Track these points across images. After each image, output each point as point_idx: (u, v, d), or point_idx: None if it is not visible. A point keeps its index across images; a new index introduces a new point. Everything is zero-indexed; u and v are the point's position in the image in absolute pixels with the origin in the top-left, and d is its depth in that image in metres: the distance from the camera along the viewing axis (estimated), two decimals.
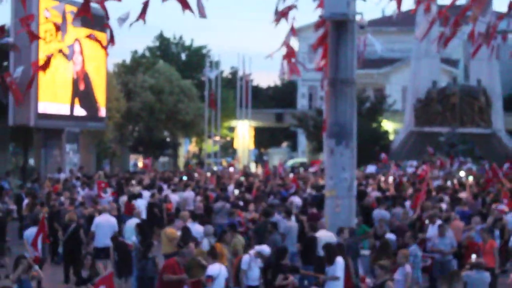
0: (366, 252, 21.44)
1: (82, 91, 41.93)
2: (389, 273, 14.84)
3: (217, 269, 15.47)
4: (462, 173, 41.84)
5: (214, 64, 62.65)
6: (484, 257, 17.63)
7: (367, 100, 63.27)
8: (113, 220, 21.78)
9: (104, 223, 21.45)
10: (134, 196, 27.59)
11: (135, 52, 67.01)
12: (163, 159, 71.35)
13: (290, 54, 22.98)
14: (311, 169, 45.07)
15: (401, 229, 21.70)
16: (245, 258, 17.01)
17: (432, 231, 21.17)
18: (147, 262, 17.35)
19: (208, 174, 41.23)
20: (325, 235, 19.93)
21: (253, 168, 61.10)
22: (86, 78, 42.76)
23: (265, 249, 17.17)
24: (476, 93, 59.02)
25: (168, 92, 57.20)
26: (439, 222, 21.52)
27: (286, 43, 22.58)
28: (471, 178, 37.63)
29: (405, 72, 68.74)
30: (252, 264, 16.65)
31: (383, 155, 49.11)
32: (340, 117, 21.67)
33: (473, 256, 16.68)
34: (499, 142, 59.43)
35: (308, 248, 20.00)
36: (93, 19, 16.75)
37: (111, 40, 17.41)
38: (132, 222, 21.20)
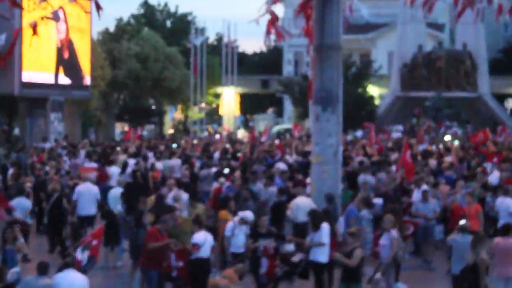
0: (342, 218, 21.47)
1: (66, 60, 41.71)
2: (359, 240, 14.88)
3: (203, 237, 15.45)
4: (448, 137, 41.98)
5: (200, 31, 62.36)
6: (469, 221, 17.64)
7: (353, 66, 63.15)
8: (95, 189, 21.79)
9: (86, 192, 21.43)
10: (108, 162, 27.62)
11: (120, 19, 66.54)
12: (149, 127, 71.17)
13: (273, 20, 22.83)
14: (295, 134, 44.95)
15: (387, 194, 21.72)
16: (229, 225, 17.00)
17: (417, 195, 21.23)
18: (139, 230, 17.27)
19: (195, 141, 41.12)
20: (303, 202, 20.02)
21: (240, 134, 60.98)
22: (70, 46, 42.48)
23: (249, 215, 17.15)
24: (461, 57, 59.04)
25: (153, 60, 56.89)
26: (424, 187, 21.57)
27: (269, 9, 22.42)
28: (456, 142, 37.75)
29: (391, 37, 68.65)
30: (236, 231, 16.63)
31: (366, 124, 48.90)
32: (326, 83, 21.56)
33: (462, 221, 16.69)
34: (485, 106, 59.58)
35: (276, 213, 20.18)
36: None
37: (97, 6, 17.18)
38: (116, 191, 21.14)
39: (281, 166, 27.43)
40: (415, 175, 23.91)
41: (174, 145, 36.39)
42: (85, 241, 14.70)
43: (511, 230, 15.18)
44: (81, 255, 14.35)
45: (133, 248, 17.57)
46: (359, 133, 46.71)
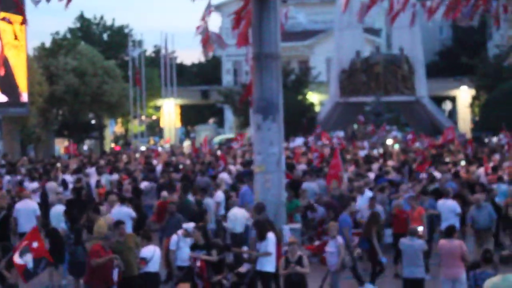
0: (297, 225, 21.52)
1: (2, 77, 40.92)
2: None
3: (151, 251, 15.28)
4: (389, 141, 42.33)
5: (137, 43, 61.99)
6: (413, 224, 17.77)
7: (292, 73, 63.42)
8: (34, 205, 21.55)
9: (25, 208, 21.17)
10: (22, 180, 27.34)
11: (57, 33, 65.78)
12: (89, 142, 70.49)
13: (207, 31, 22.80)
14: (235, 145, 44.81)
15: (330, 203, 21.80)
16: (173, 238, 16.86)
17: (361, 202, 21.23)
18: (77, 248, 17.08)
19: (137, 155, 40.80)
20: (240, 212, 20.02)
21: (186, 146, 60.75)
22: (5, 63, 41.72)
23: (191, 227, 17.07)
24: (399, 61, 59.65)
25: (91, 74, 56.35)
26: (368, 193, 21.63)
27: (204, 19, 22.39)
28: (397, 146, 38.11)
29: (329, 43, 69.05)
30: (181, 244, 16.48)
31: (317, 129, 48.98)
32: (266, 92, 21.54)
33: (420, 228, 16.75)
34: (423, 109, 60.26)
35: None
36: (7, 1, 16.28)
37: (23, 21, 16.93)
38: (58, 209, 20.81)
39: (225, 176, 27.35)
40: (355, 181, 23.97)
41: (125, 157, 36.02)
42: (19, 247, 14.45)
43: (454, 232, 15.33)
44: (21, 259, 14.15)
45: (72, 266, 17.39)
46: (298, 140, 46.75)
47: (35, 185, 27.46)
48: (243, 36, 23.44)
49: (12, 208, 22.42)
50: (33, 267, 14.16)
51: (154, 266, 15.24)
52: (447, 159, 31.27)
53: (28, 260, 14.15)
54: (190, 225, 17.16)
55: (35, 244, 14.42)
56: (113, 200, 21.29)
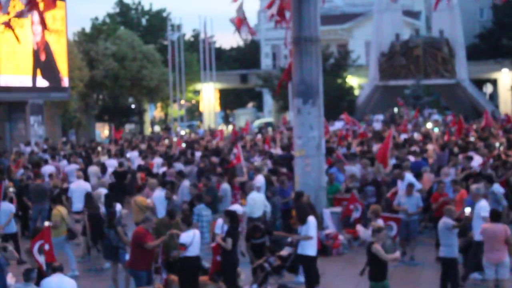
0: (338, 209, 21.49)
1: (43, 62, 41.38)
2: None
3: (191, 236, 15.31)
4: (429, 125, 42.06)
5: (176, 27, 62.12)
6: (456, 208, 17.64)
7: (331, 56, 63.22)
8: (86, 185, 22.41)
9: (77, 188, 21.96)
10: (38, 163, 27.64)
11: (96, 19, 66.19)
12: (129, 126, 70.92)
13: (241, 17, 22.90)
14: (282, 128, 44.93)
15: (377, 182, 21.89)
16: (218, 222, 16.92)
17: (400, 187, 20.96)
18: (110, 231, 17.20)
19: (175, 139, 40.98)
20: (259, 197, 20.13)
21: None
22: (47, 48, 42.16)
23: (238, 208, 17.24)
24: (438, 44, 59.19)
25: (131, 59, 56.70)
26: (408, 177, 21.41)
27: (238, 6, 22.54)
28: (437, 130, 37.85)
29: (368, 26, 68.71)
30: (225, 228, 16.53)
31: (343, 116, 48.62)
32: (305, 75, 21.56)
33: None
34: (463, 92, 59.77)
35: None
36: None
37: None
38: (100, 192, 20.99)
39: (267, 161, 27.39)
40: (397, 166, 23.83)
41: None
42: (35, 241, 14.62)
43: (499, 216, 15.26)
44: (39, 257, 14.37)
45: (106, 249, 17.51)
46: (338, 124, 46.56)
47: (73, 166, 27.70)
48: (280, 13, 23.51)
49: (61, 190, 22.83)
50: (46, 269, 14.37)
51: (194, 250, 15.26)
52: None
53: (42, 261, 14.38)
54: (235, 207, 17.29)
55: (47, 247, 14.60)
56: (153, 184, 21.45)
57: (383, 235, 14.19)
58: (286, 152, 28.97)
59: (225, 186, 22.25)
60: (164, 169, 26.66)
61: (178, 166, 27.11)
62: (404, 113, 48.38)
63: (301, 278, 16.43)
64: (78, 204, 21.45)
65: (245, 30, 23.41)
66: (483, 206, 16.52)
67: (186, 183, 22.55)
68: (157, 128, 66.99)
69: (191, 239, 15.18)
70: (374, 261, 13.74)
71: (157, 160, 29.36)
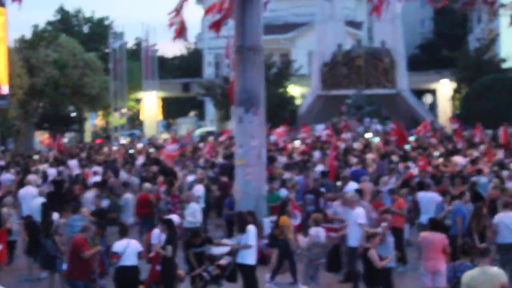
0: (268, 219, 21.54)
1: None
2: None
3: (123, 245, 15.16)
4: (369, 135, 42.40)
5: (118, 35, 61.72)
6: (393, 217, 17.76)
7: (274, 66, 63.35)
8: (34, 191, 22.47)
9: (26, 194, 22.26)
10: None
11: (36, 26, 65.43)
12: (69, 135, 70.18)
13: (181, 23, 22.86)
14: (221, 138, 44.95)
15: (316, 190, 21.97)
16: (154, 232, 16.82)
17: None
18: (47, 241, 17.00)
19: (114, 148, 40.69)
20: (194, 207, 20.19)
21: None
22: None
23: (174, 218, 17.18)
24: (380, 54, 59.65)
25: (72, 66, 56.09)
26: (352, 184, 21.56)
27: (177, 10, 22.44)
28: (377, 139, 38.19)
29: (310, 36, 69.02)
30: (162, 238, 16.42)
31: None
32: (248, 84, 21.59)
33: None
34: (404, 102, 60.34)
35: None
36: None
37: None
38: (38, 201, 20.76)
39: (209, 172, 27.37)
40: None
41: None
42: None
43: (439, 225, 15.41)
44: None
45: (43, 259, 17.30)
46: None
47: (8, 176, 27.34)
48: (217, 23, 23.51)
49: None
50: None
51: (130, 259, 15.09)
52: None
53: None
54: (171, 217, 17.20)
55: (1, 246, 14.42)
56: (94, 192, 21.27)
57: (378, 240, 14.36)
58: (227, 161, 28.98)
59: (127, 196, 22.16)
60: (97, 178, 26.42)
61: (123, 175, 26.99)
62: (342, 122, 48.59)
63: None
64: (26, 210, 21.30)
65: (184, 35, 23.34)
66: (359, 213, 16.86)
67: (91, 194, 22.28)
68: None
69: (124, 248, 15.04)
70: (370, 267, 13.82)
71: (97, 169, 29.09)
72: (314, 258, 16.68)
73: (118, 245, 15.19)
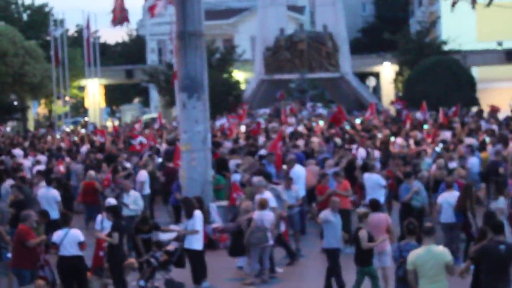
0: (224, 203, 21.61)
1: None
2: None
3: (61, 236, 14.93)
4: (313, 118, 42.56)
5: (59, 23, 60.97)
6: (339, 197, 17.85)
7: (217, 51, 63.24)
8: None
9: None
10: None
11: None
12: (11, 123, 69.25)
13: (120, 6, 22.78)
14: (155, 125, 44.80)
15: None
16: (97, 218, 16.71)
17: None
18: None
19: (58, 136, 40.28)
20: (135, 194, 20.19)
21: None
22: None
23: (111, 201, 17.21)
24: (322, 38, 59.89)
25: (12, 54, 55.21)
26: (297, 168, 21.70)
27: None
28: (321, 123, 38.37)
29: (253, 21, 69.01)
30: (105, 224, 16.34)
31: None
32: (190, 70, 21.53)
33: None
34: (347, 85, 60.73)
35: None
36: None
37: None
38: None
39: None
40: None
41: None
42: None
43: (379, 206, 15.57)
44: None
45: None
46: (223, 119, 46.54)
47: None
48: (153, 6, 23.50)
49: None
50: None
51: (67, 250, 14.88)
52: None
53: None
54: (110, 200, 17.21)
55: None
56: (40, 181, 21.03)
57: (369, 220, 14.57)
58: (172, 146, 28.89)
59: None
60: (39, 167, 26.09)
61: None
62: (284, 106, 48.67)
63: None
64: None
65: (121, 19, 23.30)
66: (270, 198, 17.22)
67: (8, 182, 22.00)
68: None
69: (61, 238, 14.86)
70: (360, 247, 14.17)
71: (40, 158, 28.78)
72: (255, 242, 16.66)
73: (56, 235, 15.02)
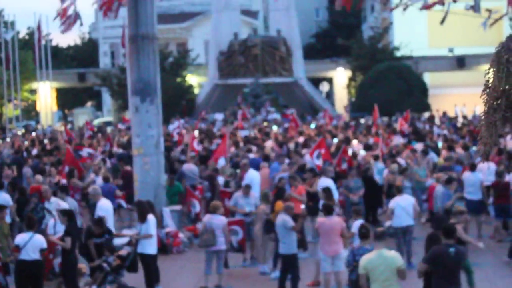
0: (178, 207, 21.55)
1: None
2: None
3: (25, 238, 14.76)
4: (266, 123, 42.63)
5: (10, 25, 60.27)
6: (293, 202, 17.86)
7: (170, 55, 63.09)
8: None
9: None
10: None
11: None
12: None
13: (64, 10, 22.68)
14: (121, 126, 44.53)
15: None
16: (50, 222, 16.48)
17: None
18: None
19: (8, 139, 39.73)
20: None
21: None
22: None
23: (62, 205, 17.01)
24: (276, 43, 60.09)
25: None
26: (251, 172, 21.67)
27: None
28: (275, 127, 38.43)
29: (207, 25, 68.98)
30: (57, 228, 16.13)
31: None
32: (143, 73, 21.39)
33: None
34: (301, 90, 60.99)
35: None
36: None
37: None
38: None
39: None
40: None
41: None
42: None
43: (332, 210, 15.57)
44: None
45: None
46: (176, 123, 46.40)
47: None
48: (108, 6, 23.37)
49: None
50: None
51: (28, 254, 14.67)
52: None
53: None
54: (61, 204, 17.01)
55: None
56: None
57: (464, 218, 14.70)
58: (125, 150, 28.71)
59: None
60: None
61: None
62: (238, 111, 48.71)
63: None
64: None
65: (67, 23, 23.15)
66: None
67: None
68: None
69: (25, 242, 14.67)
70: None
71: None
72: (202, 244, 16.64)
73: (20, 238, 14.81)
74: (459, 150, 26.02)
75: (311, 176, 21.05)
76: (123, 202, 22.25)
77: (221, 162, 24.87)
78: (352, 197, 21.59)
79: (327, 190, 17.65)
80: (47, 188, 19.73)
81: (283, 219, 15.71)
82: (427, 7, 29.91)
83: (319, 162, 24.22)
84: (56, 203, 18.90)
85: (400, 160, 24.41)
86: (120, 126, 44.72)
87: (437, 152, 26.72)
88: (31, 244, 14.61)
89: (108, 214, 17.54)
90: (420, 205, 21.14)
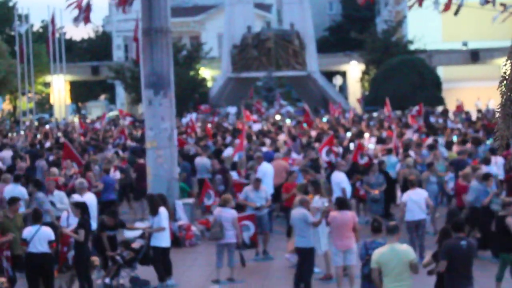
0: (190, 200, 21.60)
1: None
2: None
3: (32, 232, 14.75)
4: (278, 116, 42.62)
5: (24, 18, 60.41)
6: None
7: (184, 48, 63.11)
8: None
9: None
10: None
11: None
12: None
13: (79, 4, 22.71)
14: (126, 121, 44.60)
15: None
16: (63, 215, 16.50)
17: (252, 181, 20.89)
18: None
19: (22, 132, 39.91)
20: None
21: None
22: None
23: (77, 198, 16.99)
24: (289, 36, 60.03)
25: None
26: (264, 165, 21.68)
27: None
28: (288, 121, 38.42)
29: (220, 19, 68.99)
30: (70, 221, 16.14)
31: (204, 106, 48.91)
32: (156, 67, 21.40)
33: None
34: (314, 84, 60.92)
35: None
36: None
37: None
38: None
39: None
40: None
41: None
42: None
43: (346, 204, 15.55)
44: None
45: None
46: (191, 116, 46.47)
47: None
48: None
49: None
50: None
51: (36, 247, 14.69)
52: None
53: None
54: (76, 197, 17.02)
55: None
56: (7, 178, 20.71)
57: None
58: (138, 144, 28.76)
59: None
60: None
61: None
62: (252, 105, 48.71)
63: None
64: None
65: (81, 17, 23.18)
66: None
67: None
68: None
69: (32, 234, 14.67)
70: (505, 234, 14.53)
71: (6, 153, 28.45)
72: (210, 237, 16.69)
73: (27, 231, 14.83)
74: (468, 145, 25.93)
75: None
76: None
77: (236, 156, 24.85)
78: (374, 193, 21.44)
79: (315, 183, 17.38)
80: (50, 182, 19.77)
81: (302, 213, 15.45)
82: (446, 9, 29.89)
83: (329, 159, 24.23)
84: (59, 196, 18.98)
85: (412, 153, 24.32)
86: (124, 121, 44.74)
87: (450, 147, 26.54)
88: (38, 237, 14.61)
89: (91, 209, 17.52)
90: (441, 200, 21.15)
